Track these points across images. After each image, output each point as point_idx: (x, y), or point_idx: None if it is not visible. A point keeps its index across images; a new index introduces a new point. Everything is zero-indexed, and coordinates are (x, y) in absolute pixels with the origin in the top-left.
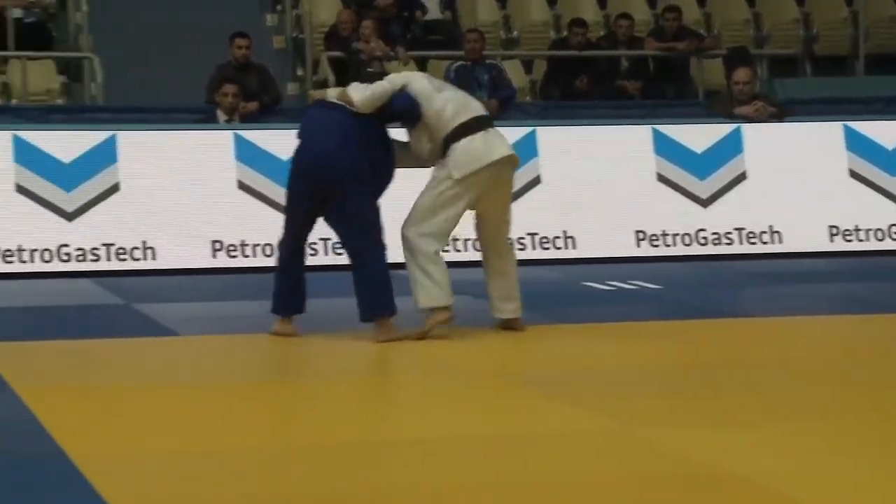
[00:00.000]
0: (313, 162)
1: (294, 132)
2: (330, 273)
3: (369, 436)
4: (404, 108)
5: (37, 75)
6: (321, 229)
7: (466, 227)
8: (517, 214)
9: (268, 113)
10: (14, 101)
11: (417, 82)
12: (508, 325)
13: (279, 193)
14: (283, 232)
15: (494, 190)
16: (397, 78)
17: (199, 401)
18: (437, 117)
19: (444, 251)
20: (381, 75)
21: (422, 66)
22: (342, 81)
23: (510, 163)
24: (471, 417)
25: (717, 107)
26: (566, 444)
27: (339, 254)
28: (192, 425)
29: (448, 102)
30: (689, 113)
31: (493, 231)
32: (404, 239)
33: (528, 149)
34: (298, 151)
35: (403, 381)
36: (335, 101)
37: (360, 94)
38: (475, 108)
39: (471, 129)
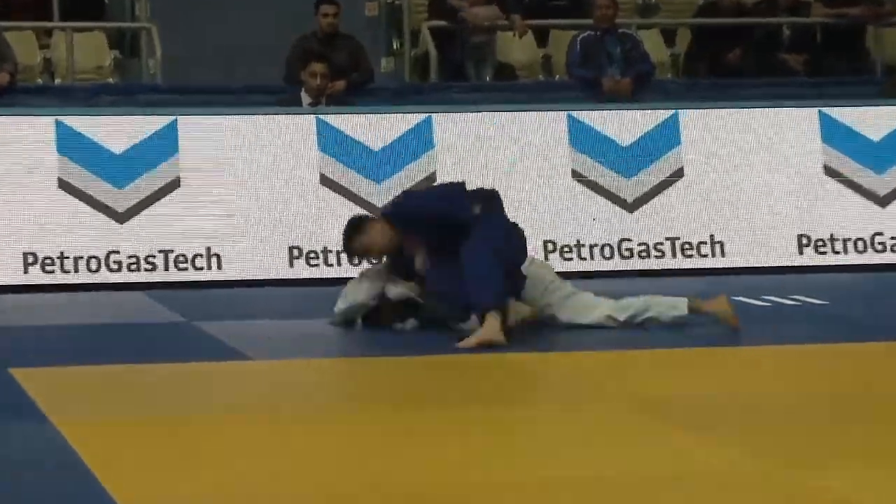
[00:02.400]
0: None
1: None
2: None
3: (493, 477)
4: None
5: (85, 50)
6: None
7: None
8: (653, 213)
9: (357, 93)
10: (58, 81)
11: None
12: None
13: (368, 190)
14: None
15: None
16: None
17: (274, 435)
18: None
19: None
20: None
21: (542, 37)
22: (447, 56)
23: None
24: (605, 454)
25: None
26: (714, 486)
27: None
28: (263, 465)
29: None
30: (864, 93)
31: None
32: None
33: (668, 135)
34: None
35: (522, 412)
36: None
37: None
38: None
39: None
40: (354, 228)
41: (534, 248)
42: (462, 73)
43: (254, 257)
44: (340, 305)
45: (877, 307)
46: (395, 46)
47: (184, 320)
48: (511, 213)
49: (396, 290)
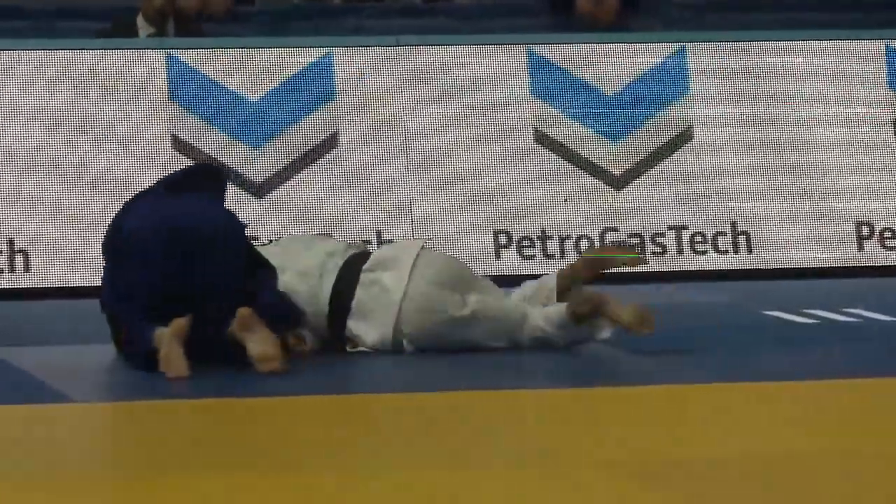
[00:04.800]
0: None
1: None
2: None
3: None
4: None
5: None
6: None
7: None
8: (650, 191)
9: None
10: None
11: None
12: None
13: (240, 156)
14: None
15: None
16: None
17: None
18: None
19: None
20: None
21: None
22: None
23: None
24: None
25: None
26: None
27: None
28: None
29: None
30: None
31: None
32: None
33: (670, 80)
34: None
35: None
36: None
37: None
38: None
39: None
40: None
41: (484, 243)
42: None
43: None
44: None
45: None
46: None
47: None
48: (445, 194)
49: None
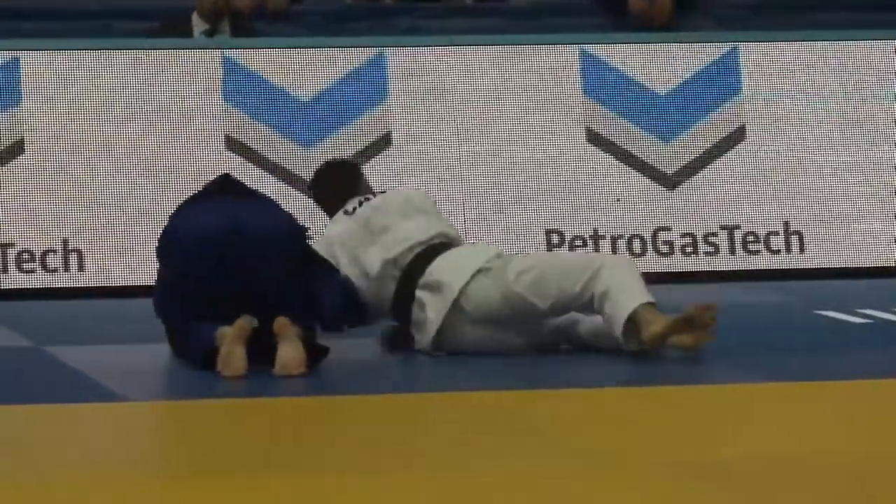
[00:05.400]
0: None
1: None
2: None
3: None
4: None
5: None
6: None
7: None
8: (703, 191)
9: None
10: None
11: None
12: None
13: (292, 156)
14: None
15: None
16: None
17: None
18: None
19: None
20: None
21: None
22: None
23: None
24: None
25: None
26: None
27: None
28: None
29: None
30: None
31: None
32: None
33: (723, 79)
34: None
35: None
36: None
37: None
38: None
39: None
40: None
41: (536, 241)
42: None
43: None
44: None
45: None
46: None
47: None
48: (497, 193)
49: None
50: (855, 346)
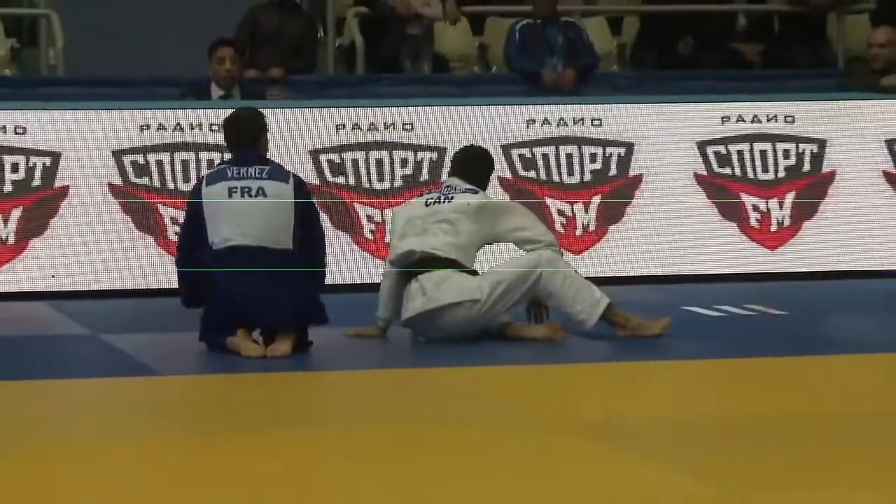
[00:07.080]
0: None
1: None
2: None
3: None
4: None
5: None
6: None
7: None
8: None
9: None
10: None
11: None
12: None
13: None
14: None
15: None
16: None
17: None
18: None
19: None
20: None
21: (478, 25)
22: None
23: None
24: (544, 483)
25: (855, 79)
26: None
27: None
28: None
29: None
30: (825, 86)
31: None
32: None
33: (616, 133)
34: None
35: (451, 436)
36: None
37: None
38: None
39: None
40: None
41: None
42: (394, 67)
43: None
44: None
45: (834, 318)
46: (319, 35)
47: None
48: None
49: None
50: (697, 334)
